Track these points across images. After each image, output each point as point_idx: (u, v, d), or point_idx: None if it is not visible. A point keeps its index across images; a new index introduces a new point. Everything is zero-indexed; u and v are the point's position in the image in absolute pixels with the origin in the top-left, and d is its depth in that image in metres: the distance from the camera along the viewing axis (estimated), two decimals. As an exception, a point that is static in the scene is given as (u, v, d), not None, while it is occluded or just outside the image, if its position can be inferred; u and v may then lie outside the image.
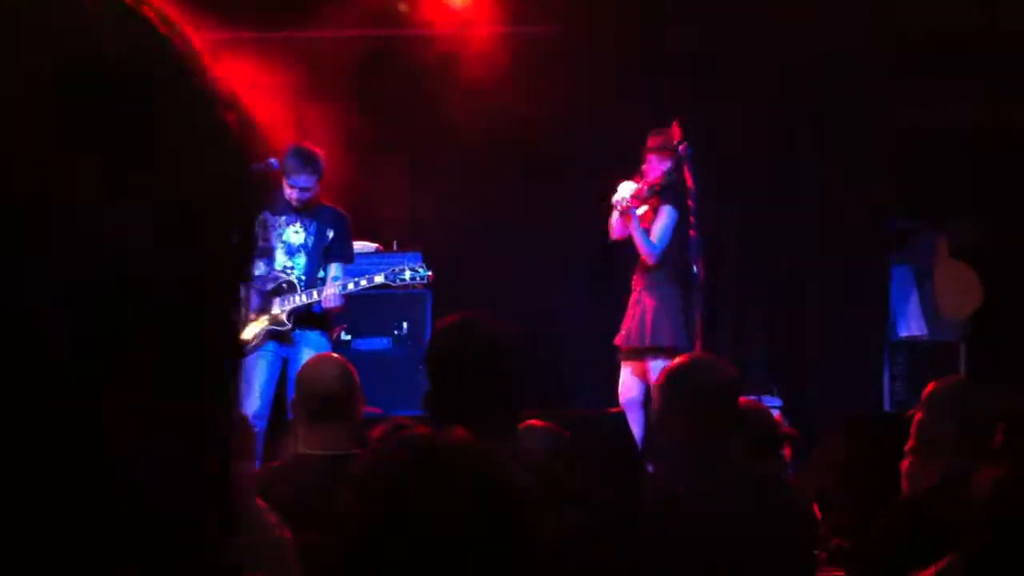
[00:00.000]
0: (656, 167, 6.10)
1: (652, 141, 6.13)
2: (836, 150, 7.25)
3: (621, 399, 6.10)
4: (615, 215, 6.08)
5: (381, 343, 7.16)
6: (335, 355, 3.67)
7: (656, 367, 5.88)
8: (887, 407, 7.13)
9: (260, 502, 2.55)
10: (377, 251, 7.28)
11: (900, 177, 7.26)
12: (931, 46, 7.01)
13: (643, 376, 6.04)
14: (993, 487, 1.88)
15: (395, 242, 7.39)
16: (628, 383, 6.11)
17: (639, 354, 6.06)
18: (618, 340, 6.16)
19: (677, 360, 3.09)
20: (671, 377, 2.91)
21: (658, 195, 6.03)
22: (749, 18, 7.11)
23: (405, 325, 7.15)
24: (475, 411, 2.60)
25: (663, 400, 2.87)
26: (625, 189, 6.03)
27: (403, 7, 7.61)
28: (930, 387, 3.14)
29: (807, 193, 7.41)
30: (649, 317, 5.97)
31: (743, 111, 7.22)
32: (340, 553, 1.47)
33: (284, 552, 2.49)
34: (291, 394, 5.80)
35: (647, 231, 6.02)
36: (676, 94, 7.08)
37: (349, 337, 7.07)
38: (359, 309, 6.62)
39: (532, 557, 1.44)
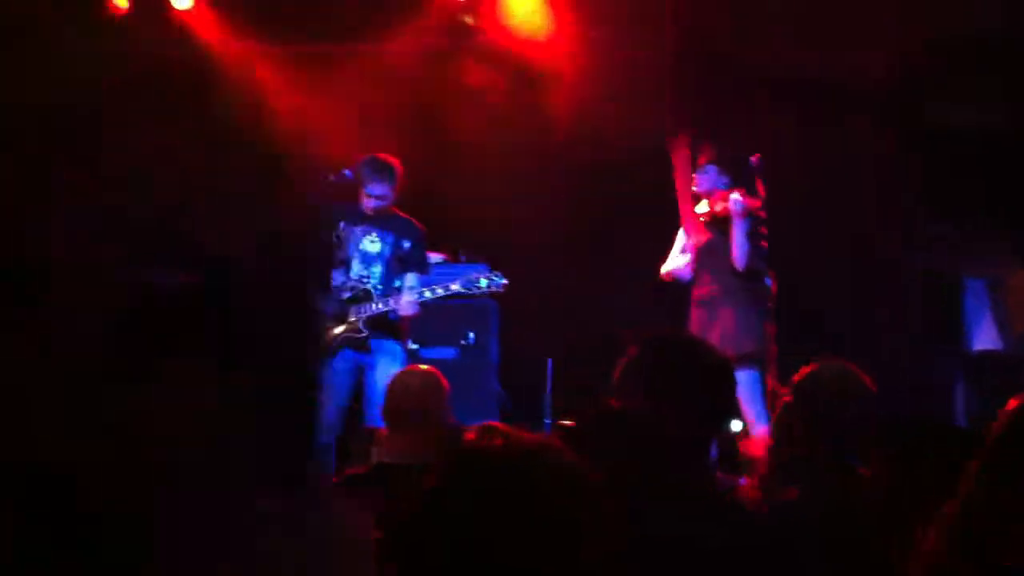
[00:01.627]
0: (712, 179, 6.08)
1: (711, 155, 6.11)
2: (884, 158, 7.13)
3: None
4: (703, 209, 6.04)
5: (448, 352, 7.19)
6: (424, 367, 3.70)
7: (740, 377, 5.86)
8: (960, 422, 7.01)
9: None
10: (445, 261, 7.32)
11: (928, 180, 7.14)
12: (958, 47, 6.90)
13: None
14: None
15: (460, 253, 7.42)
16: None
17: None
18: None
19: (830, 365, 3.03)
20: (837, 383, 2.88)
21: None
22: (773, 34, 7.05)
23: (472, 335, 7.17)
24: None
25: (818, 406, 2.85)
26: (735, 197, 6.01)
27: (469, 19, 7.65)
28: (1013, 402, 3.09)
29: (877, 196, 7.31)
30: (731, 325, 5.92)
31: (774, 120, 7.14)
32: (397, 557, 1.48)
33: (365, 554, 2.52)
34: (367, 403, 5.89)
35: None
36: (723, 109, 7.04)
37: (416, 347, 7.11)
38: (427, 319, 6.65)
39: (581, 557, 1.43)
